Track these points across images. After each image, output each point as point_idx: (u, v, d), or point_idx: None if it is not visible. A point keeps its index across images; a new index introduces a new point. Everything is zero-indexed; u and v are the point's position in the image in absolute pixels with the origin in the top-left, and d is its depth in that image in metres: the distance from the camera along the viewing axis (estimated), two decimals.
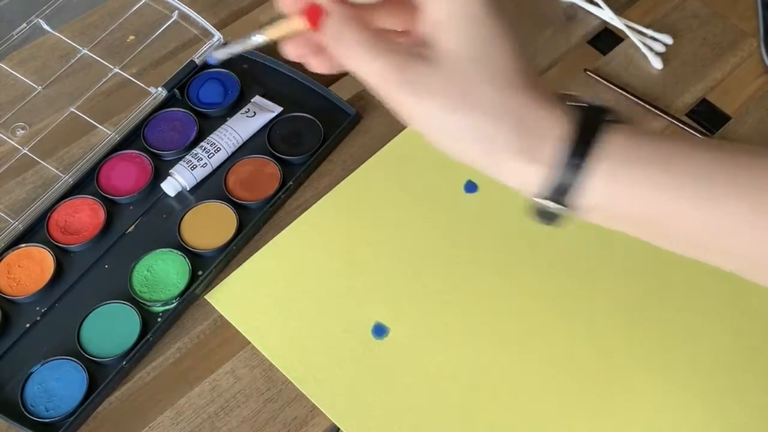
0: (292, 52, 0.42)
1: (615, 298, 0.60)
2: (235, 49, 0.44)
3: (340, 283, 0.61)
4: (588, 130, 0.36)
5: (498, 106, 0.37)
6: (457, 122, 0.37)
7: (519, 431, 0.55)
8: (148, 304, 0.60)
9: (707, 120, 0.71)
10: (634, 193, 0.36)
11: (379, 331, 0.59)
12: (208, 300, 0.61)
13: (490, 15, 0.37)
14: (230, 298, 0.61)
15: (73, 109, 0.69)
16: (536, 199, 0.38)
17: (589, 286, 0.61)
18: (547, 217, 0.39)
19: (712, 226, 0.36)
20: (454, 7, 0.37)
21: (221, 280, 0.62)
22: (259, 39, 0.43)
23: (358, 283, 0.61)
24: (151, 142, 0.67)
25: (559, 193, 0.37)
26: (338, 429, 0.56)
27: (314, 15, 0.39)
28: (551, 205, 0.38)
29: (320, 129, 0.68)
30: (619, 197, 0.37)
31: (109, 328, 0.59)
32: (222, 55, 0.45)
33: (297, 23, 0.41)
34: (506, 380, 0.57)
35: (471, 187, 0.66)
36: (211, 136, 0.67)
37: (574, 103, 0.38)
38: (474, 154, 0.38)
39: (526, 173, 0.37)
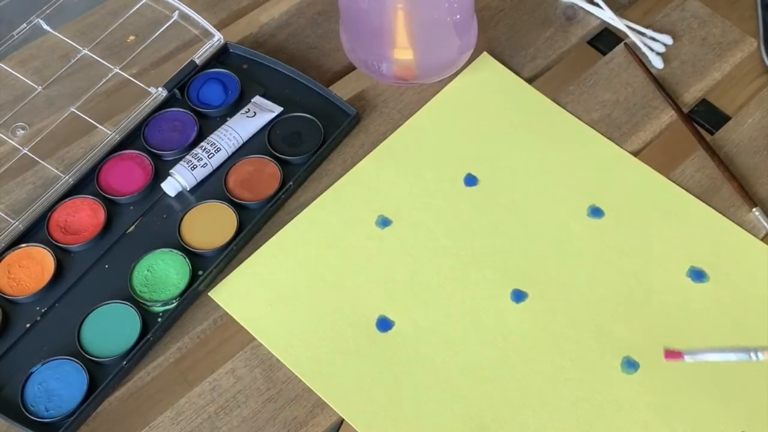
0: None
1: (617, 286, 0.60)
2: None
3: (343, 278, 0.62)
4: None
5: None
6: None
7: (525, 422, 0.56)
8: (148, 304, 0.60)
9: (707, 120, 0.71)
10: None
11: (384, 324, 0.59)
12: (212, 297, 0.61)
13: None
14: (234, 295, 0.61)
15: (73, 109, 0.69)
16: None
17: (591, 276, 0.61)
18: None
19: None
20: None
21: (222, 279, 0.62)
22: None
23: (360, 278, 0.62)
24: (151, 142, 0.67)
25: None
26: (338, 429, 0.56)
27: None
28: None
29: (320, 129, 0.68)
30: None
31: (110, 328, 0.59)
32: None
33: None
34: (512, 371, 0.57)
35: (471, 180, 0.66)
36: (211, 136, 0.67)
37: None
38: None
39: None
